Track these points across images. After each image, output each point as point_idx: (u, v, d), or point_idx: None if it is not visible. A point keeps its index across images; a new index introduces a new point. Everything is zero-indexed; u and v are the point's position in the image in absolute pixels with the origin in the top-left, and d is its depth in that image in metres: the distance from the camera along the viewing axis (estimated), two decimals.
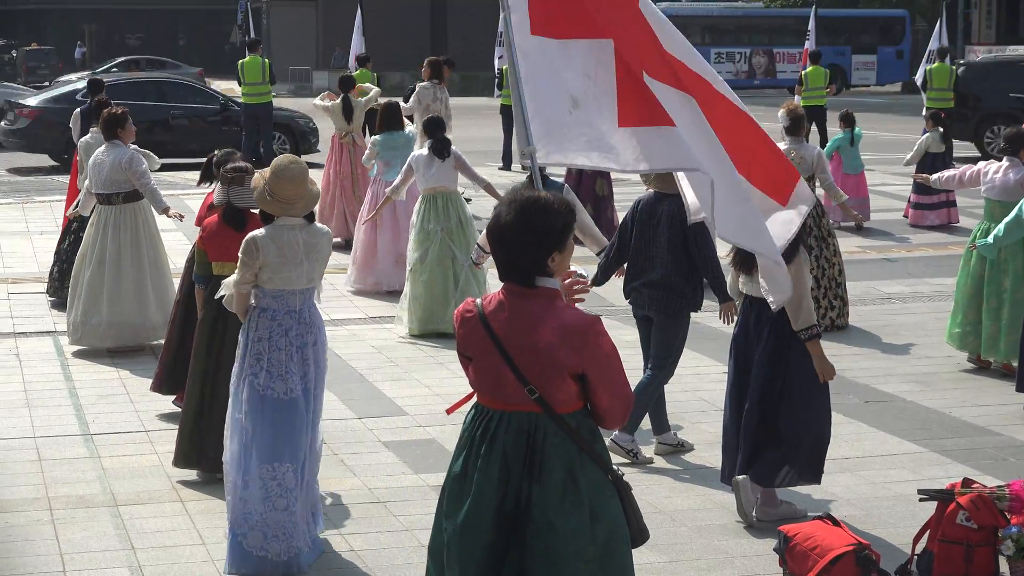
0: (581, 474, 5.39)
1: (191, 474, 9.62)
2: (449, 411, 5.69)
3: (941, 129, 21.49)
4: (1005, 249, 12.26)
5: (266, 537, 7.94)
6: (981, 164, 12.97)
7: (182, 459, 9.61)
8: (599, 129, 6.74)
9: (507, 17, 6.78)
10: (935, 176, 13.98)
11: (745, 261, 8.80)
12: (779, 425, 8.80)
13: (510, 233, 5.38)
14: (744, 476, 8.83)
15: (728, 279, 9.38)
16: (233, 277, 8.18)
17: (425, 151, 14.33)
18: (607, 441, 9.90)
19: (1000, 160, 12.70)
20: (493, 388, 5.43)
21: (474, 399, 5.61)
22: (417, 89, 21.69)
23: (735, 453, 8.96)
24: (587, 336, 5.37)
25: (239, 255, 8.05)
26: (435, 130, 14.51)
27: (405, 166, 14.54)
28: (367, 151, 17.08)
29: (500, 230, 5.41)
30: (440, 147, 14.30)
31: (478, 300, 5.52)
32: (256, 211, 8.52)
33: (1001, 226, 11.55)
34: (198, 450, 9.49)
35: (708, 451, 10.16)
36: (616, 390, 5.46)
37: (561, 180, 11.79)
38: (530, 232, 5.38)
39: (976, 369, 12.79)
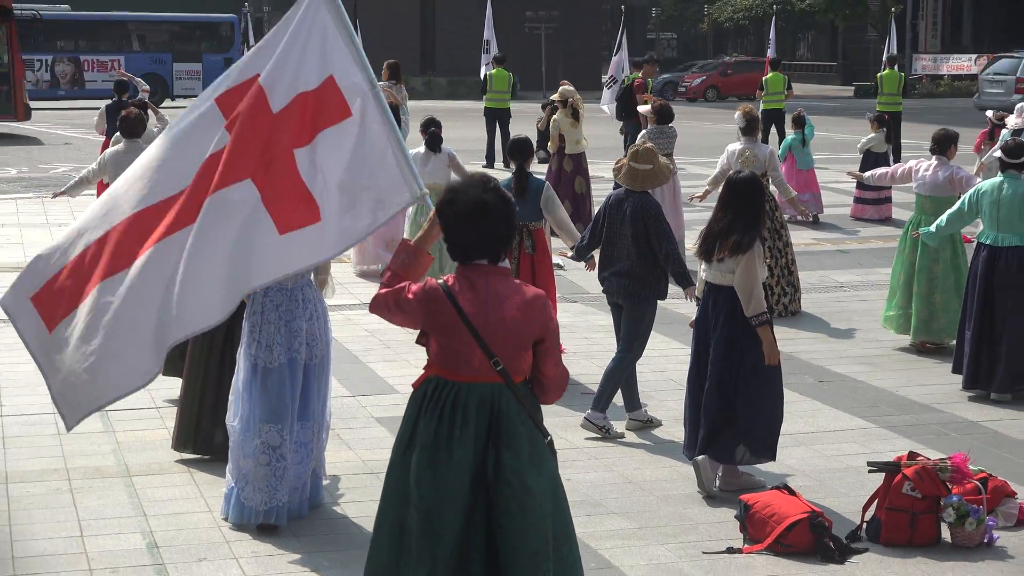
0: (535, 438, 5.49)
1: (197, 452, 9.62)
2: (414, 386, 5.67)
3: (884, 130, 21.78)
4: (944, 244, 12.38)
5: (253, 489, 8.07)
6: (912, 162, 13.10)
7: (179, 440, 9.59)
8: None
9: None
10: (868, 174, 14.15)
11: (706, 251, 8.84)
12: (736, 406, 8.81)
13: (493, 214, 5.44)
14: (703, 456, 8.84)
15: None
16: None
17: (422, 149, 14.48)
18: (581, 419, 9.99)
19: (929, 159, 12.83)
20: (458, 362, 5.45)
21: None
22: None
23: (695, 429, 8.98)
24: (544, 309, 5.52)
25: None
26: (429, 127, 14.74)
27: None
28: None
29: (482, 211, 5.44)
30: (434, 141, 14.69)
31: (439, 280, 5.53)
32: None
33: (944, 217, 11.63)
34: (194, 433, 9.47)
35: (675, 426, 10.17)
36: (559, 360, 5.62)
37: (542, 178, 11.82)
38: (510, 214, 5.50)
39: (919, 352, 12.83)
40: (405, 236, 14.38)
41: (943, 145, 12.77)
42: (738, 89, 59.61)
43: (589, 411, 10.04)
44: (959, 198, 11.79)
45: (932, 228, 11.81)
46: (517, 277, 10.91)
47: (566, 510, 5.62)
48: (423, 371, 5.66)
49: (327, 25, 7.11)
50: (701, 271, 9.12)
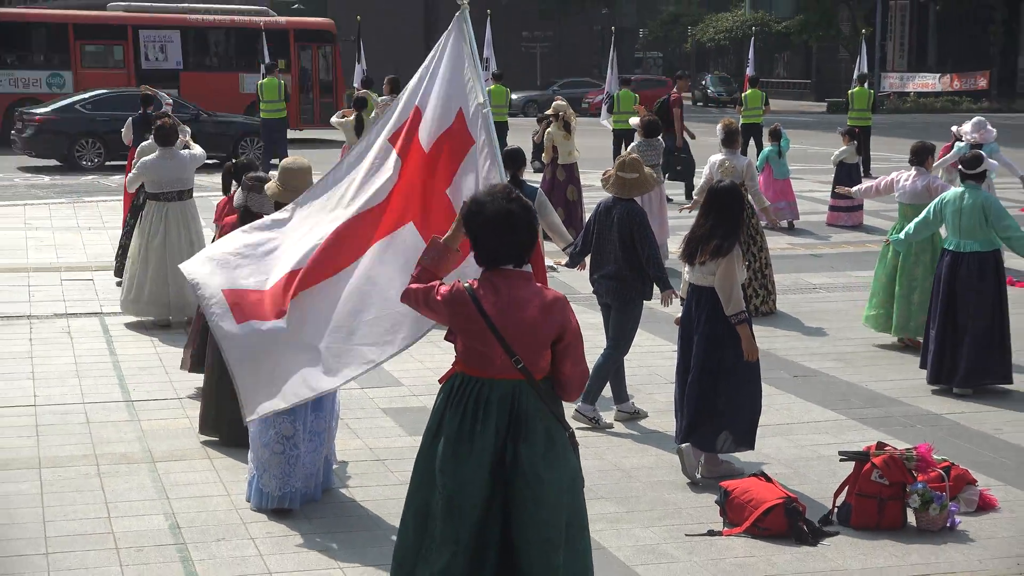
0: (554, 432, 5.46)
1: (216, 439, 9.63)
2: (441, 380, 5.69)
3: (855, 143, 21.86)
4: (918, 244, 12.39)
5: (269, 476, 8.11)
6: (893, 174, 13.07)
7: (206, 427, 9.64)
8: None
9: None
10: (855, 188, 14.16)
11: (689, 254, 8.87)
12: (718, 399, 8.83)
13: (519, 222, 5.47)
14: (687, 444, 8.85)
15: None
16: None
17: None
18: (573, 411, 10.00)
19: (908, 170, 12.83)
20: (481, 360, 5.45)
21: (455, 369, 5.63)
22: (380, 102, 21.83)
23: (682, 420, 9.01)
24: (563, 311, 5.51)
25: None
26: None
27: None
28: None
29: (509, 219, 5.46)
30: None
31: (464, 283, 5.52)
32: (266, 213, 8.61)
33: (912, 224, 11.66)
34: (217, 415, 9.51)
35: (660, 417, 10.19)
36: (578, 360, 5.58)
37: (536, 185, 11.85)
38: (532, 221, 5.55)
39: (888, 348, 12.84)
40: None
41: (921, 156, 12.77)
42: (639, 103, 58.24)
43: (579, 403, 10.05)
44: None
45: (901, 235, 11.88)
46: None
47: (582, 501, 5.62)
48: (451, 367, 5.67)
49: (460, 49, 7.07)
50: (685, 273, 9.13)
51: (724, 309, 8.64)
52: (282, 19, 44.06)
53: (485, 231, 5.49)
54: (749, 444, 9.00)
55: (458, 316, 5.49)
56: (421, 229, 6.84)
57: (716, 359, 8.82)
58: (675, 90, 26.04)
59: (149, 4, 40.94)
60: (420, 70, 7.22)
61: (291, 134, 31.43)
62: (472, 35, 7.11)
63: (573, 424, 9.92)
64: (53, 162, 31.02)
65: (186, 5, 42.17)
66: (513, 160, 11.62)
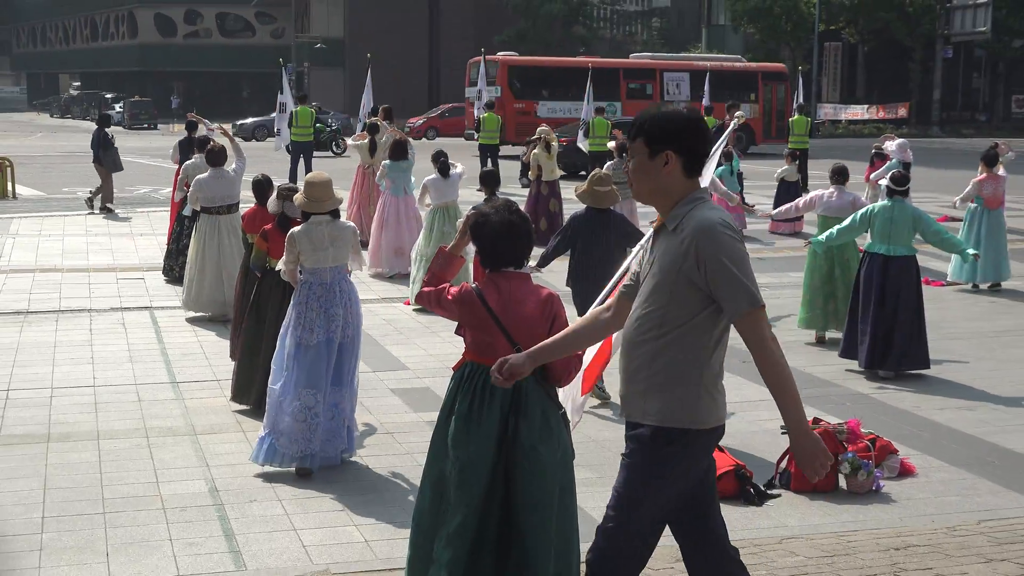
0: (549, 411, 5.49)
1: (249, 411, 9.60)
2: (454, 368, 5.71)
3: (796, 163, 21.95)
4: (848, 249, 12.45)
5: (289, 440, 8.14)
6: (813, 193, 13.09)
7: (237, 394, 9.69)
8: None
9: None
10: (775, 212, 14.04)
11: None
12: None
13: (520, 231, 5.54)
14: None
15: None
16: (283, 259, 8.53)
17: (435, 175, 14.58)
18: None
19: (828, 188, 12.90)
20: (488, 349, 5.47)
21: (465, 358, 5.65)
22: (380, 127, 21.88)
23: None
24: (555, 305, 5.56)
25: (286, 245, 8.41)
26: (439, 157, 14.82)
27: (422, 186, 14.77)
28: (379, 172, 17.29)
29: (512, 228, 5.52)
30: (444, 169, 14.75)
31: (473, 285, 5.57)
32: (298, 218, 8.63)
33: (835, 230, 11.66)
34: (248, 386, 9.65)
35: None
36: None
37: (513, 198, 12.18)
38: (530, 230, 5.62)
39: (819, 342, 12.84)
40: (420, 243, 14.44)
41: (843, 176, 12.84)
42: (451, 128, 56.04)
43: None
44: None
45: (822, 238, 11.90)
46: None
47: (571, 469, 5.63)
48: (462, 356, 5.67)
49: None
50: None
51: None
52: (752, 64, 51.80)
53: (490, 240, 5.53)
54: None
55: (467, 312, 5.52)
56: None
57: None
58: (728, 117, 26.17)
59: (663, 54, 52.03)
60: None
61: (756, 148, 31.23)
62: None
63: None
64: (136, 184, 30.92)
65: (684, 55, 53.91)
66: (490, 180, 11.90)
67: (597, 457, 8.70)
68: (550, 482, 5.41)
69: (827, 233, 11.84)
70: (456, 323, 5.69)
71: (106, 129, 24.82)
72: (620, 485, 4.65)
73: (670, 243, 4.47)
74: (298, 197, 8.50)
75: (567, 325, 5.52)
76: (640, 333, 4.54)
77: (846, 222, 11.63)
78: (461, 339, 5.68)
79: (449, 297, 5.58)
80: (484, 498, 5.38)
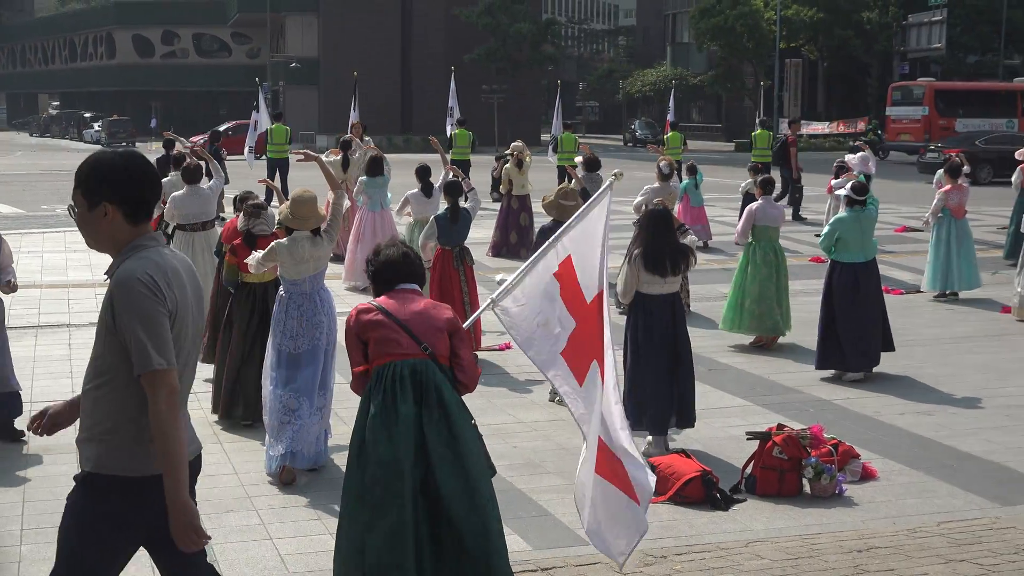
0: (456, 398, 5.60)
1: (227, 423, 9.55)
2: (356, 388, 5.80)
3: (759, 176, 21.96)
4: (780, 257, 12.88)
5: (275, 442, 8.22)
6: (746, 211, 13.09)
7: (224, 413, 9.61)
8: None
9: (544, 252, 5.96)
10: (735, 242, 13.95)
11: (672, 267, 8.83)
12: (674, 387, 8.89)
13: (410, 257, 5.84)
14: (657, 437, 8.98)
15: (622, 279, 9.26)
16: (258, 257, 8.62)
17: (417, 191, 14.63)
18: (557, 399, 10.10)
19: (758, 201, 13.07)
20: (392, 344, 5.56)
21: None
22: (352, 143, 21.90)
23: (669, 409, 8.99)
24: (448, 311, 5.77)
25: (266, 250, 8.50)
26: (425, 175, 14.82)
27: (403, 199, 14.81)
28: (356, 188, 17.28)
29: (401, 256, 5.82)
30: (428, 188, 14.88)
31: (372, 301, 5.73)
32: (267, 234, 8.72)
33: (826, 241, 11.57)
34: (216, 397, 9.74)
35: None
36: (470, 348, 5.87)
37: (468, 207, 12.36)
38: (420, 264, 5.93)
39: (786, 346, 12.86)
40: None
41: (768, 187, 13.14)
42: (233, 146, 50.49)
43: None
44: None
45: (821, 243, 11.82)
46: (459, 283, 11.73)
47: (483, 452, 5.67)
48: (366, 369, 5.70)
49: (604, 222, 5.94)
50: (639, 285, 9.00)
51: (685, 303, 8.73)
52: None
53: (383, 267, 5.81)
54: (691, 423, 9.17)
55: (367, 325, 5.63)
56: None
57: (669, 354, 8.94)
58: (791, 133, 26.30)
59: None
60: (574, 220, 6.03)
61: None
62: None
63: (527, 412, 9.97)
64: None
65: None
66: (453, 190, 12.00)
67: (566, 463, 8.67)
68: (474, 464, 5.47)
69: (822, 243, 11.67)
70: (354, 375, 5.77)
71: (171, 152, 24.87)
72: (60, 532, 4.39)
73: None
74: (283, 212, 8.50)
75: (467, 335, 5.72)
76: (86, 381, 4.30)
77: (826, 234, 11.53)
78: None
79: (351, 339, 5.70)
80: (414, 489, 5.38)
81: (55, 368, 11.65)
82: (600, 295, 5.81)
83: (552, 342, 5.85)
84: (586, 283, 5.85)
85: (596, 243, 5.89)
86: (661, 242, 8.88)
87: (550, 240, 6.01)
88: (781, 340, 12.99)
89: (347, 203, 17.61)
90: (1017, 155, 21.18)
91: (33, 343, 12.88)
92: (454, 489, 5.38)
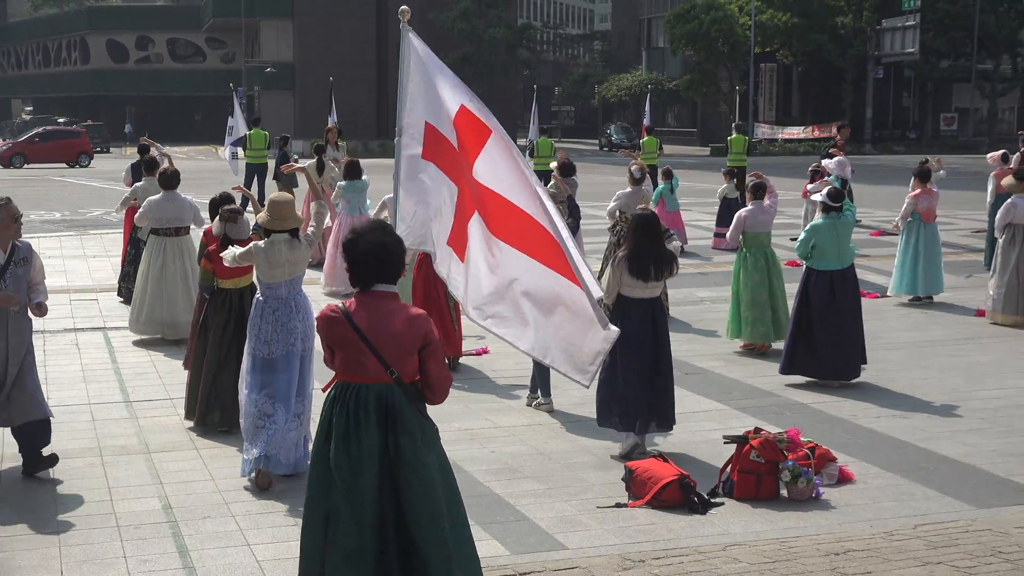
0: (423, 424, 5.43)
1: (203, 430, 9.51)
2: (324, 389, 5.61)
3: (735, 181, 22.13)
4: (773, 262, 12.82)
5: (251, 446, 8.18)
6: (736, 217, 13.02)
7: (187, 412, 9.62)
8: (440, 241, 6.47)
9: (398, 140, 6.45)
10: (726, 247, 14.05)
11: (656, 273, 8.84)
12: (651, 390, 8.89)
13: (392, 251, 5.39)
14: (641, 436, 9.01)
15: (604, 281, 9.26)
16: (235, 253, 8.59)
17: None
18: (544, 406, 10.10)
19: (748, 206, 13.05)
20: (358, 368, 5.35)
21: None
22: (327, 149, 21.81)
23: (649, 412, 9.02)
24: (425, 323, 5.40)
25: (244, 249, 8.47)
26: None
27: (380, 204, 14.73)
28: (334, 192, 17.27)
29: (383, 248, 5.36)
30: None
31: (340, 304, 5.46)
32: (243, 239, 8.69)
33: (802, 248, 11.55)
34: (191, 404, 9.67)
35: (576, 409, 10.17)
36: (440, 364, 5.49)
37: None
38: (403, 252, 5.47)
39: (761, 352, 12.89)
40: None
41: (759, 192, 13.01)
42: (46, 156, 50.39)
43: (542, 399, 10.32)
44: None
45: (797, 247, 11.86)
46: (443, 287, 11.28)
47: (453, 479, 5.54)
48: (332, 378, 5.56)
49: (431, 64, 6.46)
50: (622, 288, 9.01)
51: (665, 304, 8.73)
52: None
53: (363, 259, 5.38)
54: (671, 426, 9.17)
55: (333, 332, 5.40)
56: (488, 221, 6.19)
57: (650, 358, 8.97)
58: (839, 137, 26.37)
59: None
60: (406, 91, 6.53)
61: None
62: (420, 49, 6.61)
63: (506, 417, 9.97)
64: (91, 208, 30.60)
65: None
66: None
67: (543, 468, 8.68)
68: (437, 491, 5.35)
69: (799, 249, 11.70)
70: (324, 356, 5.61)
71: (284, 149, 25.21)
72: None
73: None
74: (261, 216, 8.49)
75: (438, 343, 5.45)
76: None
77: (803, 240, 11.53)
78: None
79: (318, 328, 5.50)
80: (376, 517, 5.29)
81: None
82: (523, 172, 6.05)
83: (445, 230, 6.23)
84: (478, 134, 6.14)
85: (450, 99, 6.26)
86: (648, 247, 8.89)
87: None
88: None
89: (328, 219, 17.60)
90: (989, 159, 21.34)
91: None
92: (419, 515, 5.28)
